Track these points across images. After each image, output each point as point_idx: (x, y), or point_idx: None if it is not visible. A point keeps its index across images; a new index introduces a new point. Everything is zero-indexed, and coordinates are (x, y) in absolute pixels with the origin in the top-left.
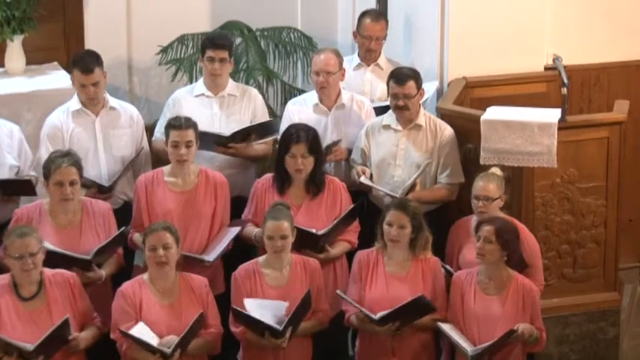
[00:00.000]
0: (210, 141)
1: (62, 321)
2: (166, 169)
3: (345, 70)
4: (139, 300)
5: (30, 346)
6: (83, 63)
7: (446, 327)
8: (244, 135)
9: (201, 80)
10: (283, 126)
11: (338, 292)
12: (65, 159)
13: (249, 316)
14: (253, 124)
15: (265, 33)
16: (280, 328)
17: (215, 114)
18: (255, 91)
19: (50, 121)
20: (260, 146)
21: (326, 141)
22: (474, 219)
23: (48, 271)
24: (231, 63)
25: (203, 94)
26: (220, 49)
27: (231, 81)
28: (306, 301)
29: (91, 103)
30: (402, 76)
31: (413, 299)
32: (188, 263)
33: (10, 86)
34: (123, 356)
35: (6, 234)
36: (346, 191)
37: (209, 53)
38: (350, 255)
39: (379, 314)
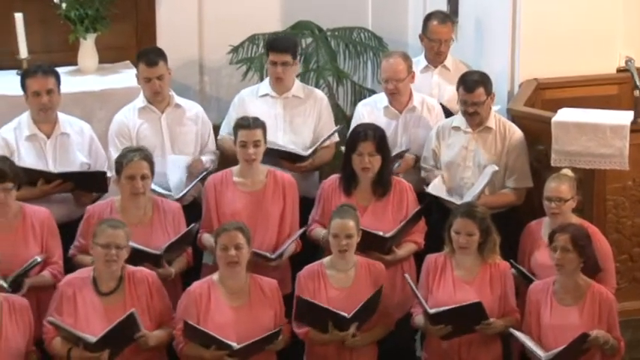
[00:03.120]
0: (276, 156)
1: (126, 315)
2: (235, 169)
3: (414, 73)
4: (207, 301)
5: (92, 338)
6: (147, 56)
7: (519, 334)
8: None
9: (266, 80)
10: (353, 127)
11: (405, 275)
12: (137, 153)
13: (313, 306)
14: (324, 138)
15: (336, 33)
16: (347, 316)
17: (278, 114)
18: (320, 94)
19: (117, 119)
20: (324, 153)
21: (396, 145)
22: (545, 222)
23: (129, 268)
24: (295, 64)
25: (268, 95)
26: (282, 52)
27: (297, 82)
28: (374, 299)
29: (156, 98)
30: (472, 83)
31: (469, 303)
32: (256, 264)
33: (82, 84)
34: (179, 354)
35: (99, 222)
36: (413, 192)
37: (271, 57)
38: (417, 255)
39: (433, 310)
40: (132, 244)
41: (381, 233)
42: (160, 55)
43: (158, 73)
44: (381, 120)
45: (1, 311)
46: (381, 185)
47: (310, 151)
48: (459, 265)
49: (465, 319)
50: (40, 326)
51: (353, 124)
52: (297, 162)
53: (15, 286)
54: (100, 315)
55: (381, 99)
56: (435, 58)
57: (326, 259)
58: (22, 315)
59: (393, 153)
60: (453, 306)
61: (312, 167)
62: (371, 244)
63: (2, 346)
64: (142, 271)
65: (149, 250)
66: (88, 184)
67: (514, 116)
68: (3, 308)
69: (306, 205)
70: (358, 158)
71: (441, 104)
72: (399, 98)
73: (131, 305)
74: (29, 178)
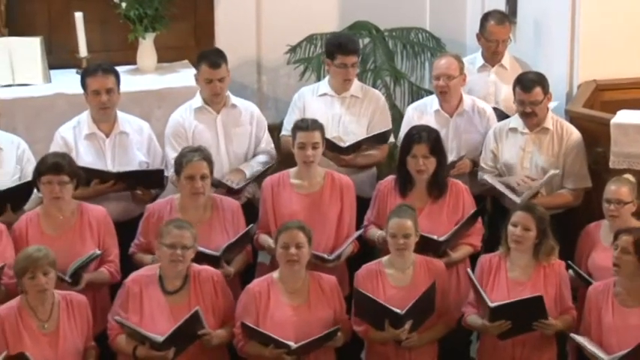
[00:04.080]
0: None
1: (192, 313)
2: (292, 171)
3: (466, 76)
4: (266, 299)
5: (160, 338)
6: (211, 58)
7: (579, 337)
8: (357, 147)
9: (326, 79)
10: (403, 129)
11: (467, 270)
12: (197, 153)
13: (370, 301)
14: (365, 136)
15: (393, 33)
16: (401, 313)
17: (336, 114)
18: (377, 95)
19: (173, 119)
20: (376, 154)
21: (447, 149)
22: (604, 224)
23: (195, 267)
24: (358, 65)
25: (326, 94)
26: (353, 54)
27: (356, 81)
28: (428, 295)
29: (215, 99)
30: (529, 83)
31: (530, 297)
32: (314, 266)
33: (141, 83)
34: (240, 352)
35: (165, 223)
36: (469, 194)
37: (341, 59)
38: (473, 258)
39: (495, 303)
40: (204, 249)
41: (435, 237)
42: (223, 57)
43: (220, 75)
44: (431, 124)
45: (58, 308)
46: (437, 187)
47: (348, 143)
48: (513, 266)
49: (525, 314)
50: (96, 322)
51: (403, 127)
52: (339, 153)
53: (74, 280)
54: (165, 313)
55: (431, 102)
56: (492, 57)
57: (384, 258)
58: (80, 312)
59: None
60: (514, 299)
61: (356, 164)
62: (425, 247)
63: (60, 343)
64: (208, 270)
65: (208, 252)
66: (146, 181)
67: (572, 117)
68: (61, 305)
69: (365, 205)
70: (413, 160)
71: (495, 108)
72: (449, 99)
73: (196, 304)
74: (87, 176)
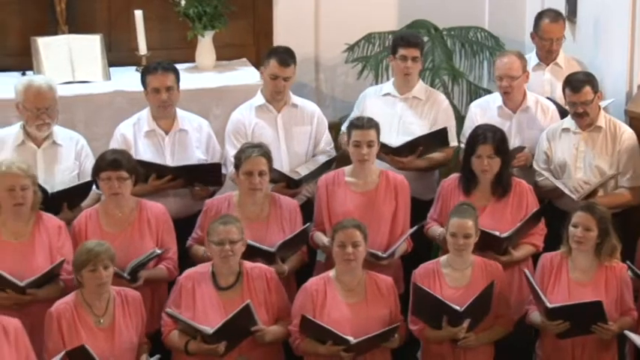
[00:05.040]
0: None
1: (242, 307)
2: (347, 169)
3: (529, 73)
4: (323, 297)
5: (209, 330)
6: (282, 55)
7: (634, 336)
8: (412, 147)
9: (391, 81)
10: (466, 127)
11: (525, 270)
12: (256, 149)
13: (429, 297)
14: (421, 135)
15: (452, 32)
16: (460, 309)
17: (395, 114)
18: (441, 97)
19: (234, 116)
20: (439, 155)
21: (510, 145)
22: None
23: (248, 263)
24: (421, 62)
25: (389, 94)
26: (414, 47)
27: (420, 83)
28: (486, 294)
29: (276, 97)
30: (577, 83)
31: (590, 301)
32: (368, 263)
33: (200, 81)
34: (295, 350)
35: (211, 222)
36: (533, 194)
37: (402, 51)
38: (535, 258)
39: (552, 304)
40: (259, 245)
41: (497, 233)
42: (293, 57)
43: (287, 74)
44: (494, 120)
45: (114, 304)
46: (501, 186)
47: (399, 144)
48: (574, 267)
49: (584, 317)
50: (154, 319)
51: (466, 125)
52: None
53: (132, 277)
54: (218, 309)
55: (494, 99)
56: (547, 56)
57: (442, 258)
58: (135, 307)
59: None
60: (573, 302)
61: (416, 166)
62: (487, 244)
63: (116, 338)
64: (261, 267)
65: (263, 247)
66: (204, 177)
67: (632, 117)
68: (116, 301)
69: (420, 207)
70: (477, 160)
71: (554, 101)
72: (512, 97)
73: (249, 300)
74: (146, 171)
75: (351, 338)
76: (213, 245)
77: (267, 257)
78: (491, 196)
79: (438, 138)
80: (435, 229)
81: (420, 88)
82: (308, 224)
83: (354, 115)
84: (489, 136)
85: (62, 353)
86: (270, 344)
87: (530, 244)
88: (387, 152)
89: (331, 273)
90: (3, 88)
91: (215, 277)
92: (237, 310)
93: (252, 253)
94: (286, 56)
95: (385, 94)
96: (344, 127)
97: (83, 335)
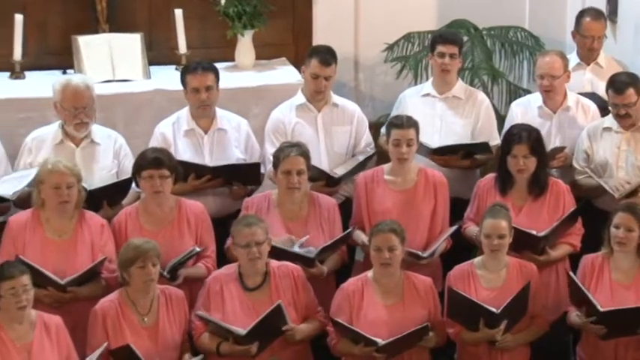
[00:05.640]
0: (424, 150)
1: (274, 307)
2: (386, 167)
3: (570, 73)
4: (360, 298)
5: (242, 331)
6: (323, 55)
7: None
8: (453, 149)
9: (430, 80)
10: (507, 127)
11: (570, 273)
12: (294, 149)
13: (464, 300)
14: (465, 142)
15: (492, 32)
16: (496, 312)
17: (436, 114)
18: (482, 96)
19: (274, 115)
20: (479, 157)
21: (550, 145)
22: None
23: (274, 262)
24: (460, 61)
25: (429, 94)
26: (451, 44)
27: (460, 82)
28: (522, 295)
29: (317, 96)
30: (621, 85)
31: None
32: (407, 262)
33: (239, 80)
34: (332, 350)
35: (234, 223)
36: (570, 194)
37: (440, 48)
38: (572, 258)
39: (605, 308)
40: (282, 246)
41: (534, 232)
42: (334, 57)
43: (328, 73)
44: (535, 120)
45: (158, 302)
46: (537, 186)
47: (439, 145)
48: (616, 268)
49: (632, 320)
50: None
51: (506, 124)
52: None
53: (172, 275)
54: (247, 310)
55: (535, 98)
56: (588, 55)
57: (477, 259)
58: (179, 306)
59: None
60: (626, 307)
61: (460, 165)
62: (524, 244)
63: (160, 336)
64: (287, 265)
65: (302, 253)
66: (242, 176)
67: None
68: (160, 299)
69: (462, 206)
70: (513, 160)
71: (598, 96)
72: (553, 97)
73: (277, 299)
74: (185, 170)
75: (379, 340)
76: (239, 248)
77: (306, 262)
78: (527, 196)
79: (479, 148)
80: (472, 229)
81: (460, 87)
82: (349, 230)
83: (392, 116)
84: (524, 135)
85: (103, 346)
86: (299, 343)
87: (568, 244)
88: (424, 153)
89: (369, 274)
90: (44, 87)
91: (242, 278)
92: (269, 310)
93: (290, 257)
94: (328, 56)
95: (424, 95)
96: (384, 130)
97: (127, 334)
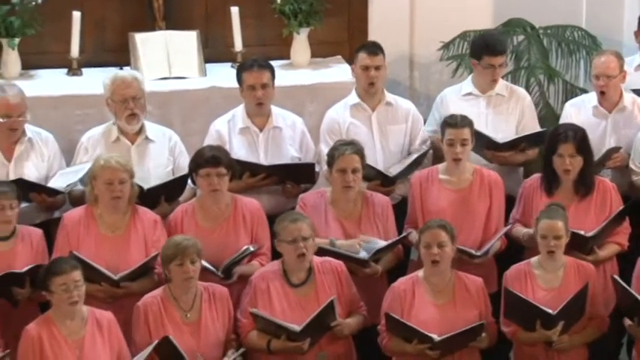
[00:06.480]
0: (481, 144)
1: (328, 302)
2: (441, 166)
3: (626, 73)
4: (411, 298)
5: (297, 328)
6: (369, 46)
7: None
8: (514, 143)
9: (469, 79)
10: None
11: (614, 277)
12: (349, 147)
13: (521, 301)
14: (524, 134)
15: (548, 31)
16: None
17: (481, 113)
18: (523, 93)
19: (328, 115)
20: (529, 152)
21: (604, 145)
22: None
23: (316, 258)
24: (506, 65)
25: (471, 93)
26: (500, 55)
27: (500, 80)
28: (580, 296)
29: (370, 90)
30: None
31: None
32: (461, 261)
33: (294, 78)
34: (384, 348)
35: (278, 220)
36: (617, 193)
37: (488, 60)
38: (619, 257)
39: None
40: (331, 248)
41: (582, 232)
42: (380, 47)
43: (377, 63)
44: (589, 120)
45: (200, 299)
46: (584, 185)
47: (505, 140)
48: None
49: None
50: None
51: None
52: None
53: (226, 274)
54: (294, 306)
55: (589, 98)
56: None
57: (534, 259)
58: (222, 303)
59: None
60: None
61: (513, 161)
62: (572, 244)
63: (202, 333)
64: (330, 261)
65: (355, 256)
66: (296, 176)
67: None
68: (203, 296)
69: (512, 204)
70: (559, 160)
71: None
72: (608, 97)
73: (323, 295)
74: (240, 169)
75: (435, 336)
76: (285, 244)
77: (360, 263)
78: (574, 196)
79: (538, 138)
80: (519, 229)
81: (502, 84)
82: (404, 234)
83: (431, 118)
84: (570, 134)
85: (152, 347)
86: (344, 339)
87: (615, 243)
88: (490, 147)
89: (420, 273)
90: (101, 84)
91: (287, 275)
92: (322, 307)
93: (341, 258)
94: (373, 47)
95: (466, 94)
96: (426, 131)
97: (169, 329)
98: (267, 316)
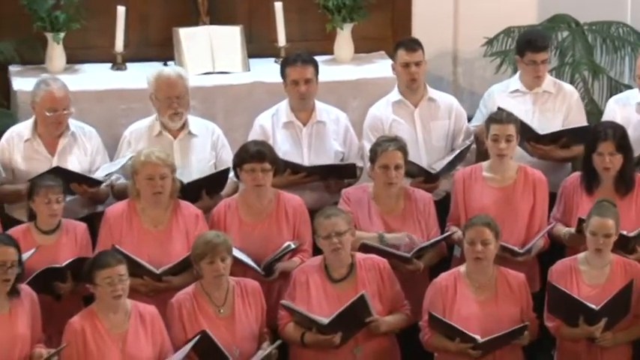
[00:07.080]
0: (524, 136)
1: (358, 297)
2: (485, 164)
3: None
4: (452, 293)
5: (325, 320)
6: (407, 43)
7: None
8: (555, 137)
9: (516, 76)
10: None
11: None
12: (392, 143)
13: (564, 296)
14: (566, 128)
15: (593, 27)
16: (596, 308)
17: (528, 110)
18: (571, 89)
19: (371, 112)
20: (574, 149)
21: None
22: None
23: (359, 255)
24: (549, 60)
25: (518, 90)
26: (542, 51)
27: (548, 77)
28: (624, 293)
29: (412, 86)
30: None
31: None
32: (504, 259)
33: (337, 73)
34: (425, 345)
35: (316, 216)
36: None
37: (531, 56)
38: None
39: None
40: (377, 245)
41: (624, 232)
42: (419, 43)
43: (417, 58)
44: (633, 116)
45: (233, 294)
46: (624, 183)
47: (544, 132)
48: None
49: None
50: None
51: (604, 120)
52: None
53: (267, 271)
54: (332, 301)
55: (634, 95)
56: None
57: (580, 255)
58: (255, 297)
59: None
60: None
61: (555, 155)
62: (614, 243)
63: (237, 327)
64: (373, 258)
65: (397, 253)
66: (338, 174)
67: None
68: (235, 291)
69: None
70: (599, 158)
71: None
72: None
73: (363, 291)
74: (283, 166)
75: (478, 337)
76: (321, 240)
77: (402, 260)
78: (614, 194)
79: (581, 134)
80: (560, 228)
81: (549, 81)
82: (447, 234)
83: (478, 114)
84: (610, 132)
85: (193, 342)
86: (385, 336)
87: None
88: (530, 139)
89: (462, 268)
90: (145, 78)
91: (328, 270)
92: (351, 301)
93: (384, 255)
94: (412, 43)
95: (513, 91)
96: (472, 127)
97: (204, 325)
98: (296, 307)
